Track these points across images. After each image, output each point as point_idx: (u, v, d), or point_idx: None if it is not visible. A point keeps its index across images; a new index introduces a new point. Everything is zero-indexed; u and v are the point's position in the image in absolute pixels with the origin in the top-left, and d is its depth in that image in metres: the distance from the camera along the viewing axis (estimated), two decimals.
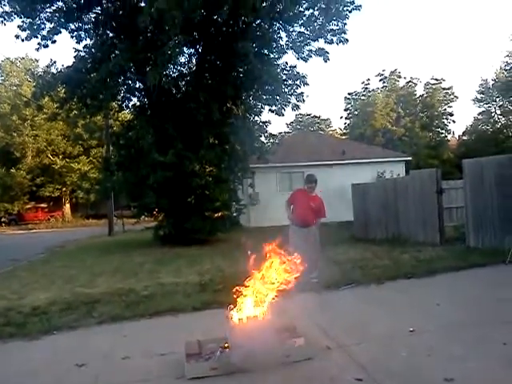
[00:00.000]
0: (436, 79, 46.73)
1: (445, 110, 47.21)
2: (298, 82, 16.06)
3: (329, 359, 3.96)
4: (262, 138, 17.95)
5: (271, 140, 18.36)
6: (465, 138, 48.74)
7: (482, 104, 46.90)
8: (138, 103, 17.10)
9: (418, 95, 47.92)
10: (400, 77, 48.47)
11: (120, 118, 20.96)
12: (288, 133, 46.90)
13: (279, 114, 16.18)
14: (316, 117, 63.43)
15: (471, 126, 48.65)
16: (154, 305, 6.37)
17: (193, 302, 6.32)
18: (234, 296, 4.28)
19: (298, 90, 16.04)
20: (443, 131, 47.62)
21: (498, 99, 45.09)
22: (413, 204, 11.50)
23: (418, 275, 7.11)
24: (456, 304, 5.33)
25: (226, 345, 4.02)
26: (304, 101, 16.20)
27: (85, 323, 5.77)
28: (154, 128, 15.17)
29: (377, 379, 3.49)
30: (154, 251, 13.60)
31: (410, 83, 47.82)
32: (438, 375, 3.48)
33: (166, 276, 9.00)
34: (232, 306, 4.24)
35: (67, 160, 41.23)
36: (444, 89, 46.81)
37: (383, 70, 50.38)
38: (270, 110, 16.28)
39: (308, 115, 61.80)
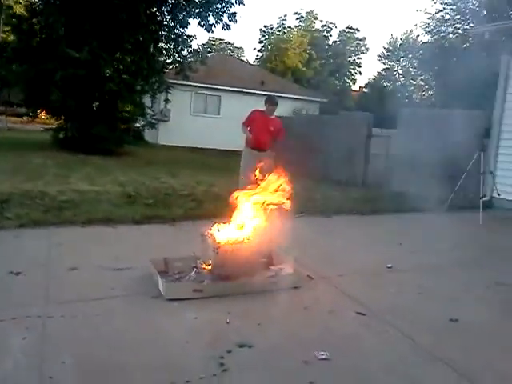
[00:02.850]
0: (351, 28, 47.20)
1: (354, 60, 48.17)
2: (233, 0, 15.12)
3: (317, 290, 3.67)
4: (185, 52, 16.73)
5: (194, 57, 17.18)
6: (365, 90, 50.41)
7: (386, 61, 48.54)
8: None
9: (331, 41, 48.15)
10: (316, 19, 48.14)
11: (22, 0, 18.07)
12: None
13: (208, 30, 15.40)
14: (229, 43, 61.12)
15: (374, 79, 50.37)
16: (83, 212, 5.59)
17: (131, 214, 5.65)
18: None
19: (232, 9, 15.20)
20: (348, 80, 48.79)
21: (402, 59, 46.82)
22: (339, 144, 11.44)
23: (361, 212, 7.05)
24: (417, 245, 5.30)
25: (204, 266, 3.50)
26: (236, 21, 15.60)
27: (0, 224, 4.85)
28: (66, 18, 13.22)
29: (378, 315, 3.25)
30: (54, 155, 12.37)
31: (325, 27, 47.75)
32: (439, 313, 3.36)
33: (77, 182, 8.16)
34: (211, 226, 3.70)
35: None
36: (357, 39, 47.52)
37: (301, 9, 49.50)
38: (199, 23, 15.25)
39: (221, 40, 59.35)
